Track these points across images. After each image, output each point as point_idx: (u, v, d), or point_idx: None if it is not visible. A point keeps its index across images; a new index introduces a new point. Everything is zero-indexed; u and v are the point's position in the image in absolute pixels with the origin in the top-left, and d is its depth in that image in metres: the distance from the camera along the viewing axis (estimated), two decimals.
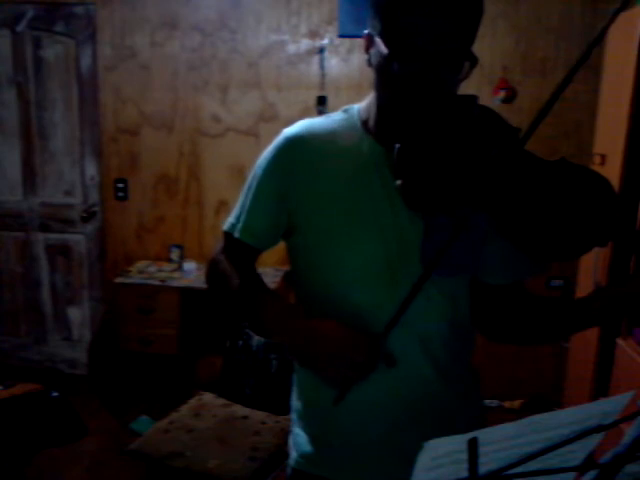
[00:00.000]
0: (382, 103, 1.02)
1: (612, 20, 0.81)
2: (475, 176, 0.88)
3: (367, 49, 1.00)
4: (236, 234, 1.11)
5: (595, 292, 0.99)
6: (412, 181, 0.91)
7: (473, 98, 0.92)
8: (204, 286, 1.18)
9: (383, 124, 1.03)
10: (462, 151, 0.90)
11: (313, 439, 1.12)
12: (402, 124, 0.93)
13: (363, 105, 1.09)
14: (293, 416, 1.18)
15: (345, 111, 1.10)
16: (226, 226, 1.14)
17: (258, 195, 1.10)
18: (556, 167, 0.90)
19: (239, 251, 1.12)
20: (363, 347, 0.93)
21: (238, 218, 1.12)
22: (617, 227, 0.89)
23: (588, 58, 0.83)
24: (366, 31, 1.00)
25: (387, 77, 0.96)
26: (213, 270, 1.15)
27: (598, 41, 0.83)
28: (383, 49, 0.93)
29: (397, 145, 0.92)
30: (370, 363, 0.94)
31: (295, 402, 1.17)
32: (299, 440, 1.14)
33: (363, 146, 1.04)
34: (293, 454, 1.16)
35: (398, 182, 0.91)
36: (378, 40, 0.95)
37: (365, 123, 1.06)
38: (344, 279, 1.03)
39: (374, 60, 0.98)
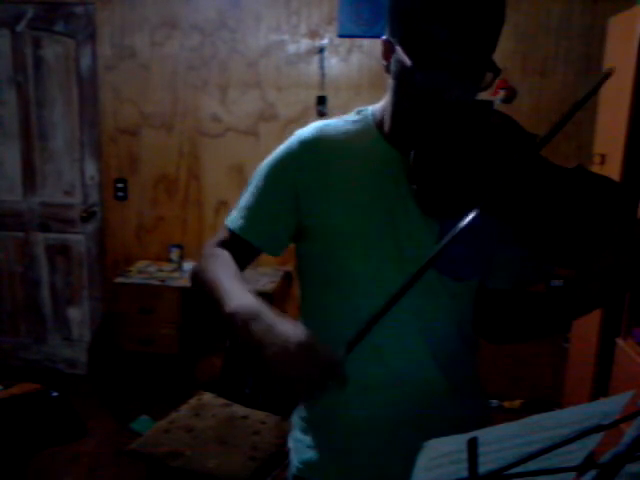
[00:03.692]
0: (399, 109, 1.00)
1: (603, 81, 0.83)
2: (490, 182, 0.88)
3: (386, 56, 0.97)
4: (239, 232, 1.07)
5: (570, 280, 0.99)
6: (427, 187, 0.90)
7: (489, 104, 0.92)
8: None
9: (399, 129, 1.01)
10: (478, 158, 0.90)
11: (315, 443, 1.10)
12: (419, 131, 0.92)
13: (377, 107, 1.07)
14: (294, 419, 1.16)
15: (359, 112, 1.08)
16: (230, 222, 1.10)
17: (267, 194, 1.06)
18: (572, 174, 0.90)
19: (239, 248, 1.08)
20: (322, 365, 0.80)
21: (243, 216, 1.08)
22: (632, 234, 0.89)
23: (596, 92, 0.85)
24: (384, 37, 0.97)
25: (408, 87, 0.93)
26: (202, 265, 1.06)
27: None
28: (406, 60, 0.91)
29: (413, 151, 0.91)
30: (322, 384, 0.80)
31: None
32: (300, 446, 1.12)
33: (378, 149, 1.03)
34: (294, 461, 1.14)
35: (413, 187, 0.91)
36: (399, 49, 0.93)
37: (380, 126, 1.04)
38: (357, 281, 1.02)
39: (394, 68, 0.96)
